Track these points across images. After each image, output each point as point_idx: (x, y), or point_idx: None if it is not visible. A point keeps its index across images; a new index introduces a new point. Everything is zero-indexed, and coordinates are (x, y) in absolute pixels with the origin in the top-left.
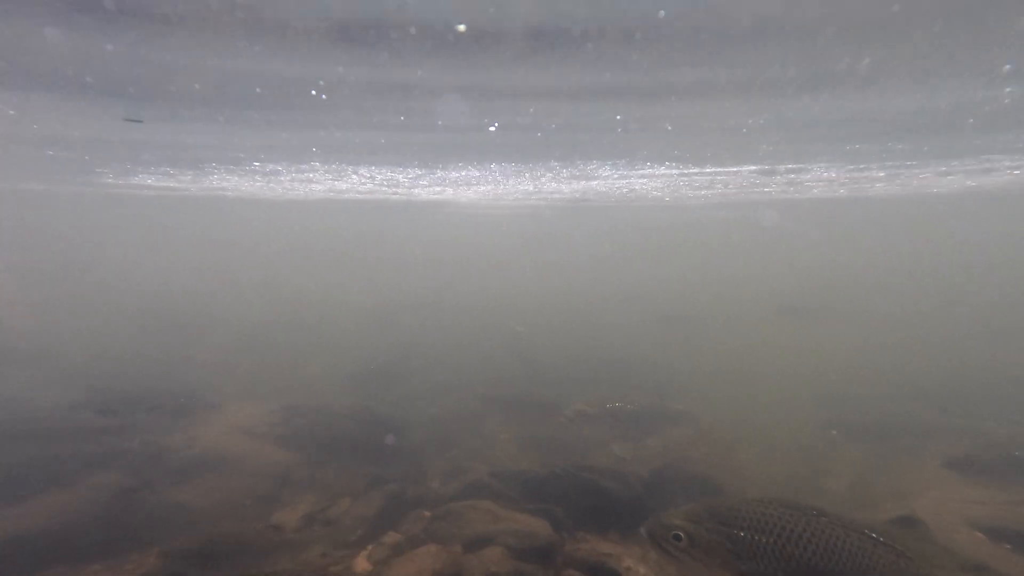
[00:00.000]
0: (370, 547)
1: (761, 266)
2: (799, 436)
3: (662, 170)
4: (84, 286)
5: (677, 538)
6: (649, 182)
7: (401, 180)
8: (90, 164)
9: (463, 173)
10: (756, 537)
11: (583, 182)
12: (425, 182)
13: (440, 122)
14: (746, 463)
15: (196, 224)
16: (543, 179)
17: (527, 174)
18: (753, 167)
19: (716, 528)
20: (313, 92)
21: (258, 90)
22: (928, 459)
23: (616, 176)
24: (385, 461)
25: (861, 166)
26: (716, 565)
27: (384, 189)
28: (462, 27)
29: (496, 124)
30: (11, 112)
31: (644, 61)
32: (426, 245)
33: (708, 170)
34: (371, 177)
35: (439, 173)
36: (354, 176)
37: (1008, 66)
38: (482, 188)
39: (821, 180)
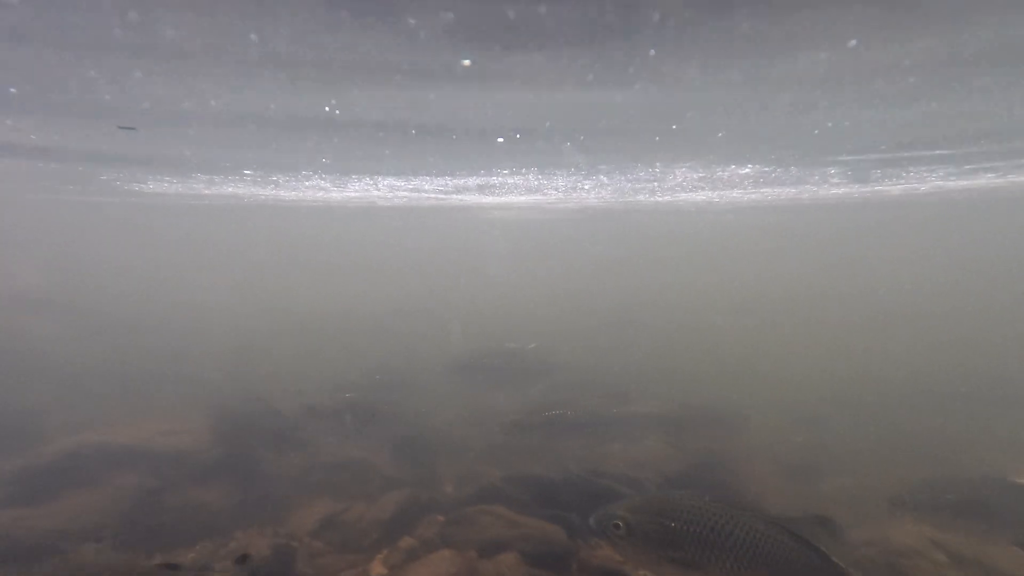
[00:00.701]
0: (385, 551)
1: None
2: (811, 444)
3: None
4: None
5: (616, 527)
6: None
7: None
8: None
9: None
10: (685, 527)
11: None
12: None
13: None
14: (766, 473)
15: (203, 229)
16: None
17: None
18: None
19: (652, 519)
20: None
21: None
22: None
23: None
24: (398, 465)
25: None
26: (651, 551)
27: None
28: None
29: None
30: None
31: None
32: (434, 250)
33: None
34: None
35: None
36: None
37: None
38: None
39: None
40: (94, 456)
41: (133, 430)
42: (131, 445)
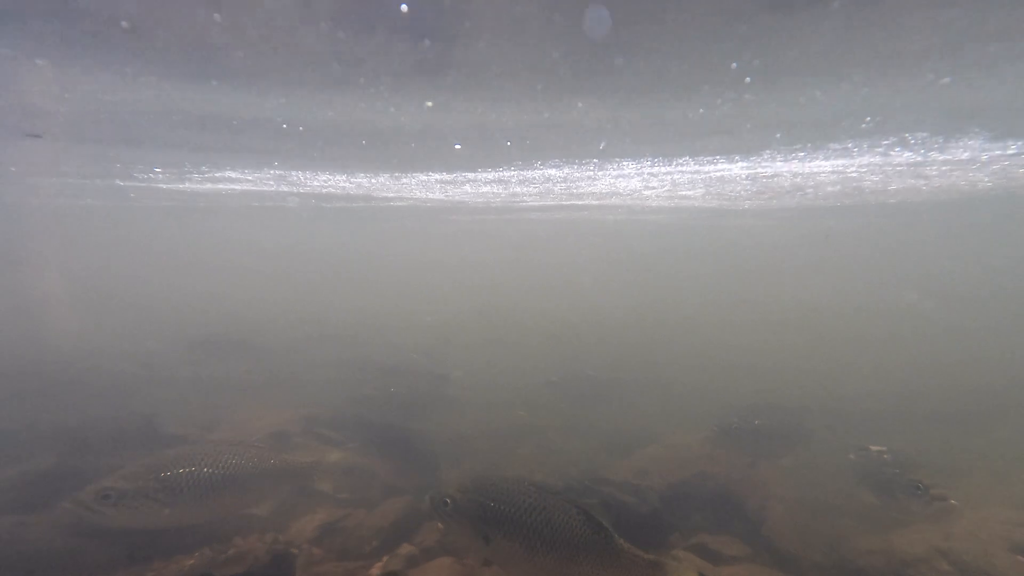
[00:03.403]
0: (385, 558)
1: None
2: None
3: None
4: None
5: (445, 504)
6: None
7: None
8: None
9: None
10: (501, 507)
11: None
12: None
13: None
14: (769, 479)
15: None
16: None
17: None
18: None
19: (475, 498)
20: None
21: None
22: (959, 478)
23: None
24: (400, 471)
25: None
26: (470, 527)
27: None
28: None
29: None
30: None
31: None
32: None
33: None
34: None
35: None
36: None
37: None
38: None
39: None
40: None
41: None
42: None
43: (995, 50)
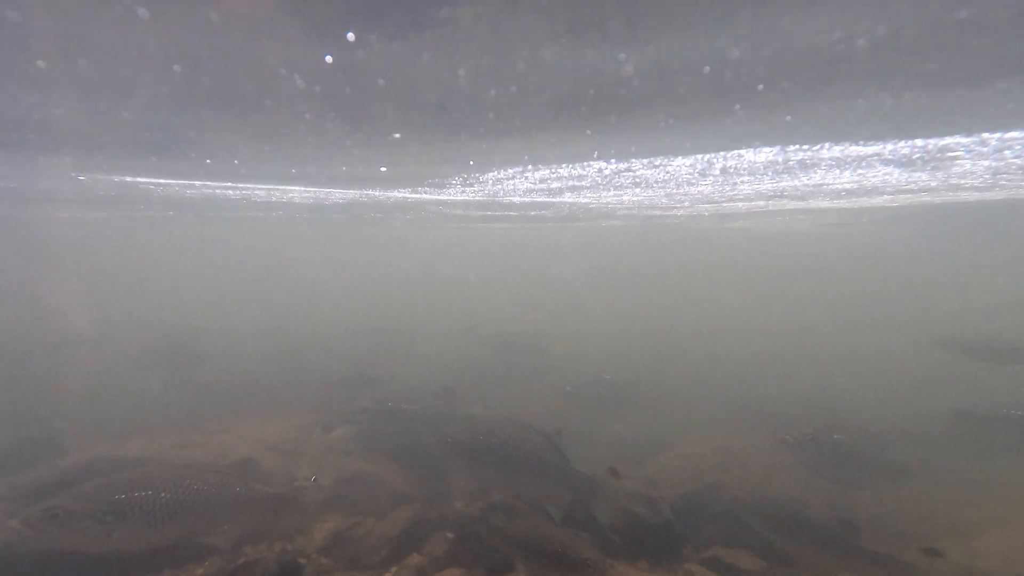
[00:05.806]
0: (394, 568)
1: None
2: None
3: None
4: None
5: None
6: None
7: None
8: None
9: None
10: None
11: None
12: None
13: None
14: (782, 490)
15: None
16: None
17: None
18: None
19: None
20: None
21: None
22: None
23: None
24: (408, 480)
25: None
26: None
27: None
28: None
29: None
30: None
31: None
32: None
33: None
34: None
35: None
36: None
37: None
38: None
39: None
40: (107, 470)
41: (147, 443)
42: (144, 458)
43: None
